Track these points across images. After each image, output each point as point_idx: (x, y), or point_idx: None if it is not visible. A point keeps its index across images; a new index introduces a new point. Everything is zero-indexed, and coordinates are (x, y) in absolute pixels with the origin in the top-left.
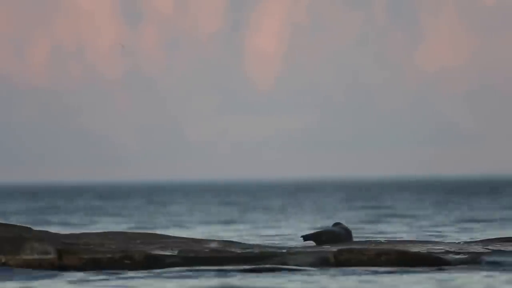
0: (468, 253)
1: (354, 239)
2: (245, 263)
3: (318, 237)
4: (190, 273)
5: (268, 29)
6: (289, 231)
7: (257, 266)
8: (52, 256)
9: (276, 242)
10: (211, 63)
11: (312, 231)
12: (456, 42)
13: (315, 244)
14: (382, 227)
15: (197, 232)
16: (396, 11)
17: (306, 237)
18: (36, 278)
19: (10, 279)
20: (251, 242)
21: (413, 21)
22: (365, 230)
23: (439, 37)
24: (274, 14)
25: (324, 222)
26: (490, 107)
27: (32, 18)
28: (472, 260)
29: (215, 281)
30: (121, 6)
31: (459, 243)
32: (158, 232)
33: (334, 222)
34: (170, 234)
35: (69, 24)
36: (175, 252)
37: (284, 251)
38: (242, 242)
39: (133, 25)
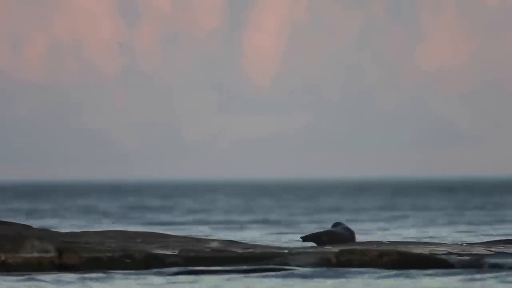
0: (471, 255)
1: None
2: (246, 263)
3: (318, 237)
4: (191, 273)
5: (267, 27)
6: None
7: (258, 266)
8: (52, 254)
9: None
10: (210, 61)
11: (311, 232)
12: (456, 41)
13: (315, 245)
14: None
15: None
16: (395, 10)
17: (305, 238)
18: (36, 276)
19: (9, 277)
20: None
21: (412, 20)
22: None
23: (439, 37)
24: (273, 12)
25: (322, 224)
26: (489, 108)
27: (30, 13)
28: (475, 262)
29: (216, 281)
30: (119, 3)
31: (461, 244)
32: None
33: (334, 222)
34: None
35: (67, 20)
36: (176, 252)
37: (285, 251)
38: (243, 242)
39: (131, 22)
